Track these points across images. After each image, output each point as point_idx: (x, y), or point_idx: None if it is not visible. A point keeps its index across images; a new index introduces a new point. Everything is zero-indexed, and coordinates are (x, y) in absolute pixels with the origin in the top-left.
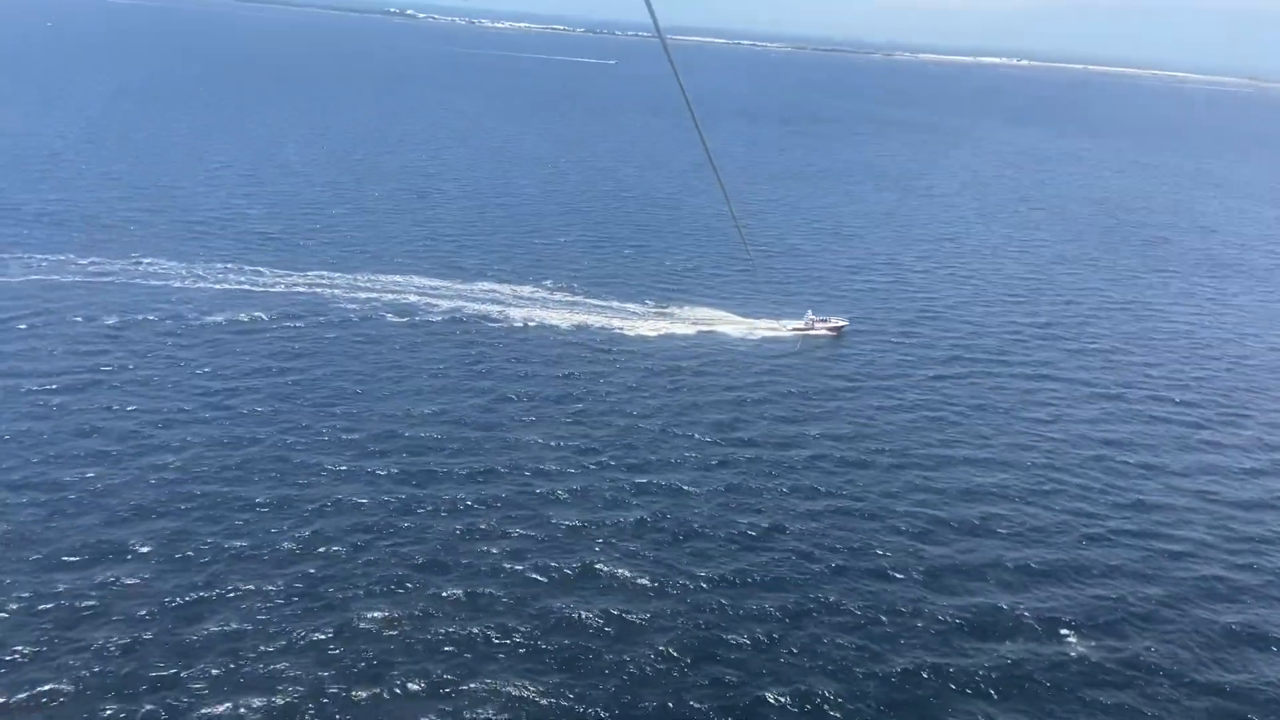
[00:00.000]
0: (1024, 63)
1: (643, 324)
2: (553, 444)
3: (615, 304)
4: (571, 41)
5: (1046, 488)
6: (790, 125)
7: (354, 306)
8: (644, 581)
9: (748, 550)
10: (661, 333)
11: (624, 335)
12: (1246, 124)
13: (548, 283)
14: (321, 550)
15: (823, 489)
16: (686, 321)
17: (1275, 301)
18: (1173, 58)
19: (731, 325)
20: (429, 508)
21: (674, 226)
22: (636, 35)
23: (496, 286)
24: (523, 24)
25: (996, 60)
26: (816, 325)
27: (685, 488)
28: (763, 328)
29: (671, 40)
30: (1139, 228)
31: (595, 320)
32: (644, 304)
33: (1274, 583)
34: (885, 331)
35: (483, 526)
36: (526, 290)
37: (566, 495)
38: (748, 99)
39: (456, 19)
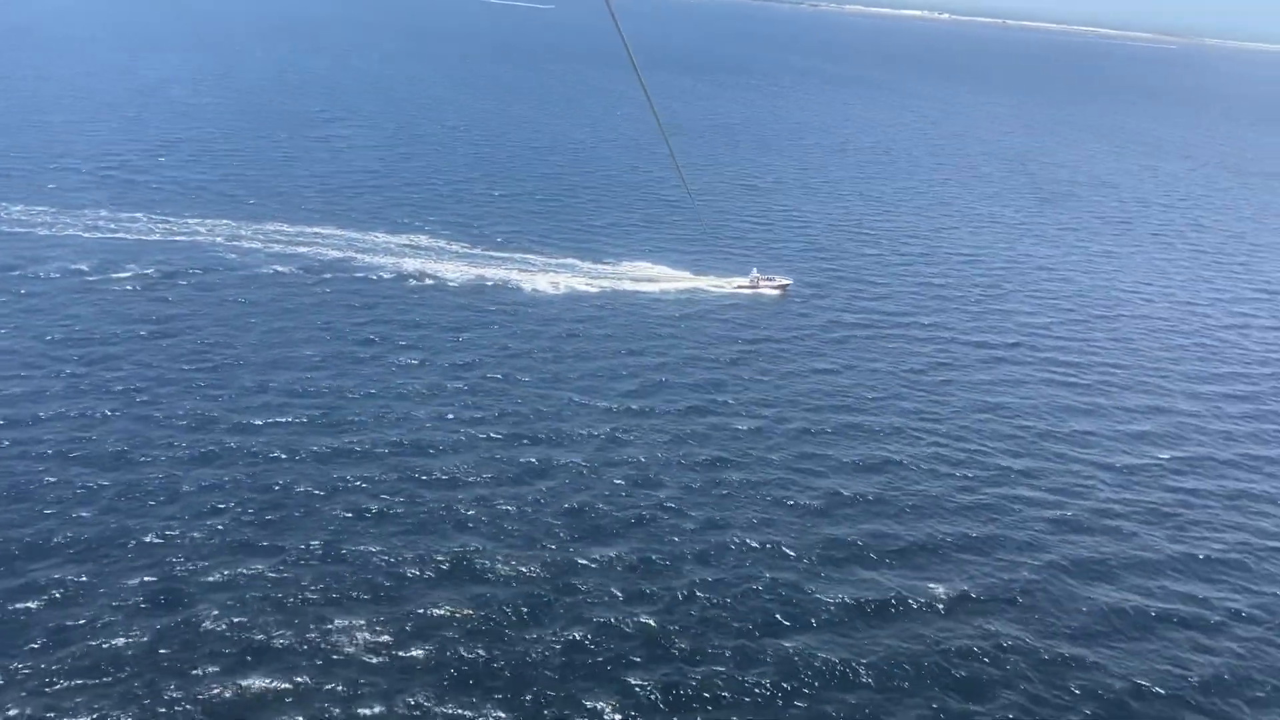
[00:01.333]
0: (944, 16)
1: (554, 279)
2: (443, 415)
3: (527, 258)
4: None
5: (939, 455)
6: (716, 77)
7: (234, 257)
8: (524, 568)
9: (642, 530)
10: (583, 289)
11: (533, 292)
12: (1162, 80)
13: (457, 235)
14: (174, 536)
15: (726, 460)
16: (626, 278)
17: (1166, 257)
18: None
19: (672, 283)
20: (297, 488)
21: (608, 180)
22: None
23: (392, 237)
24: None
25: (918, 13)
26: (762, 283)
27: (580, 462)
28: (707, 284)
29: None
30: (1045, 183)
31: (498, 275)
32: (561, 258)
33: (1151, 555)
34: (826, 290)
35: (358, 509)
36: (425, 240)
37: (447, 474)
38: (677, 50)
39: None
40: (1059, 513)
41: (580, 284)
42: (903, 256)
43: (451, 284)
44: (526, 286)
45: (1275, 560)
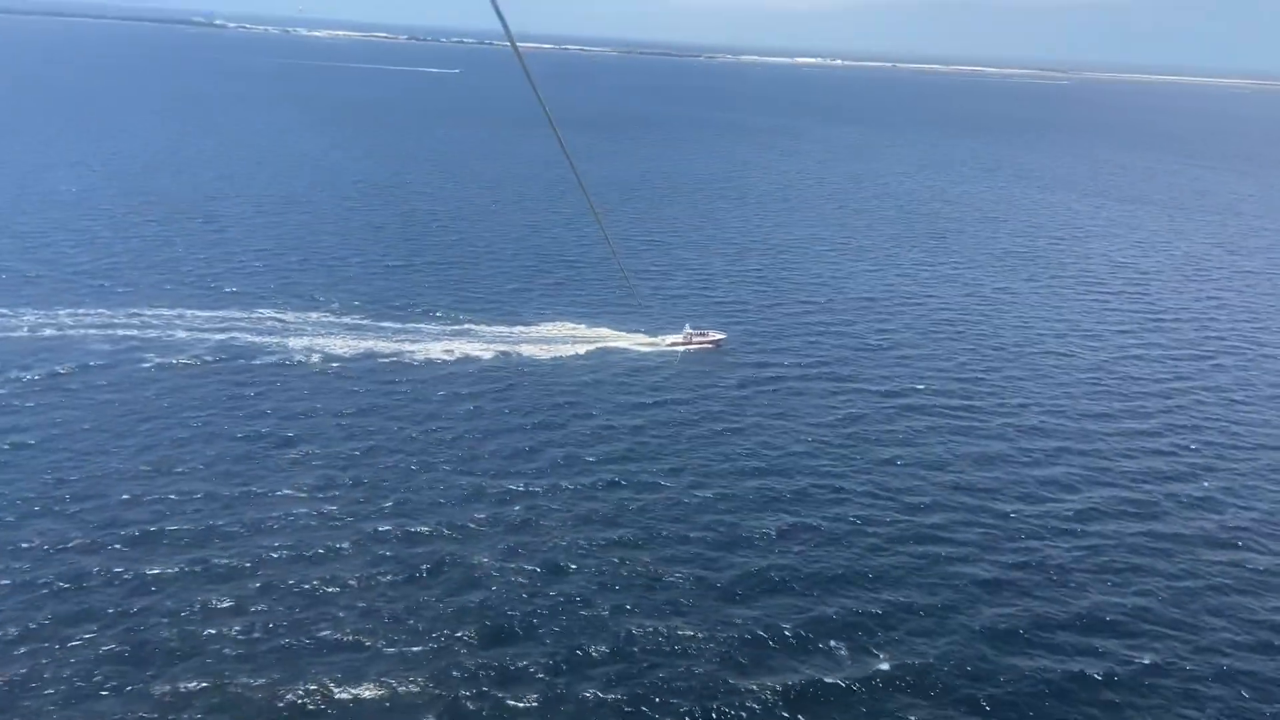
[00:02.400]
0: (837, 62)
1: (450, 347)
2: (329, 515)
3: (421, 328)
4: (402, 50)
5: (837, 495)
6: (621, 132)
7: (107, 348)
8: (414, 687)
9: (550, 630)
10: (481, 356)
11: (427, 363)
12: (1047, 114)
13: (347, 309)
14: (24, 679)
15: (636, 540)
16: (533, 341)
17: (1056, 289)
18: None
19: (590, 344)
20: (161, 619)
21: (510, 243)
22: (461, 42)
23: (280, 315)
24: (341, 32)
25: (812, 60)
26: (694, 339)
27: (482, 558)
28: (633, 343)
29: (497, 46)
30: (938, 221)
31: (391, 348)
32: (459, 325)
33: (1053, 581)
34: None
35: (213, 606)
36: (315, 316)
37: (330, 583)
38: (579, 106)
39: (269, 28)
40: (973, 570)
41: (479, 350)
42: (806, 306)
43: (342, 362)
44: (420, 358)
45: (1190, 605)
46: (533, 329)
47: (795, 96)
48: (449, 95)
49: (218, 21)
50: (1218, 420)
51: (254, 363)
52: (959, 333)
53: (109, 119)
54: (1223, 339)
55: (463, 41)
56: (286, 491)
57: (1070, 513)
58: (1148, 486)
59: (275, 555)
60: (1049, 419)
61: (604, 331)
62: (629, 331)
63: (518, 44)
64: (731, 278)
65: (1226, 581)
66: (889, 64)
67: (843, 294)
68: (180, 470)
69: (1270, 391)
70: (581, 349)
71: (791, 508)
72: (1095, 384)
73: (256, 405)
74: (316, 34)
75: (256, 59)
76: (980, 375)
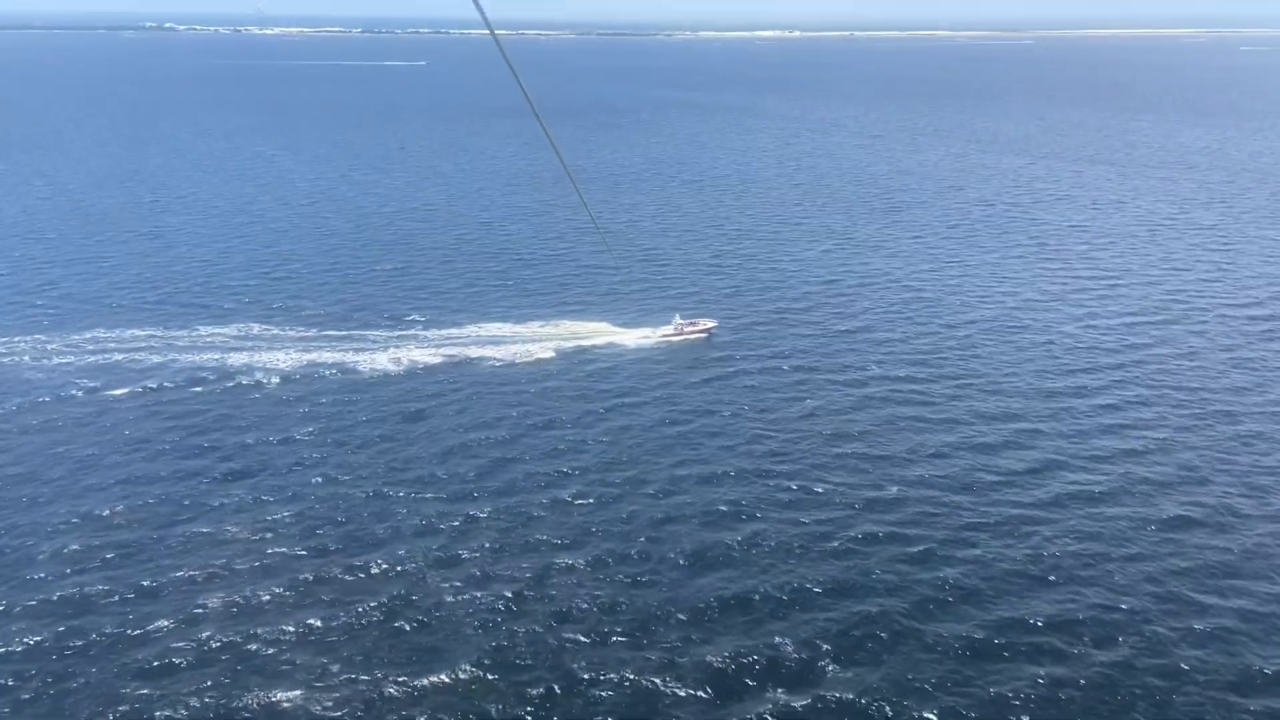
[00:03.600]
0: (795, 34)
1: (396, 354)
2: (261, 541)
3: (366, 335)
4: (364, 45)
5: (795, 501)
6: (585, 118)
7: (40, 377)
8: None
9: (479, 642)
10: (428, 361)
11: (371, 373)
12: (1004, 77)
13: (290, 320)
14: None
15: (573, 543)
16: (568, 339)
17: (1009, 257)
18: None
19: (605, 336)
20: (77, 639)
21: (463, 240)
22: (417, 32)
23: (221, 330)
24: (296, 29)
25: (770, 33)
26: (686, 330)
27: (412, 569)
28: (633, 336)
29: (457, 35)
30: (893, 193)
31: (334, 358)
32: (404, 330)
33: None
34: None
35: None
36: (257, 329)
37: (254, 618)
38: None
39: (220, 29)
40: (917, 548)
41: (425, 356)
42: (760, 283)
43: (283, 379)
44: (365, 367)
45: (1131, 569)
46: (517, 327)
47: (755, 72)
48: (412, 89)
49: (167, 25)
50: (1177, 389)
51: (192, 382)
52: (910, 306)
53: (50, 135)
54: (1180, 301)
55: (419, 32)
56: (226, 529)
57: (1016, 480)
58: (1092, 443)
59: (209, 604)
60: (1004, 386)
61: (597, 326)
62: (622, 326)
63: (491, 31)
64: (715, 263)
65: (1190, 566)
66: (846, 33)
67: (815, 275)
68: (110, 500)
69: (1226, 356)
70: (573, 345)
71: (733, 491)
72: (1050, 348)
73: (189, 425)
74: (268, 32)
75: (208, 62)
76: (932, 347)
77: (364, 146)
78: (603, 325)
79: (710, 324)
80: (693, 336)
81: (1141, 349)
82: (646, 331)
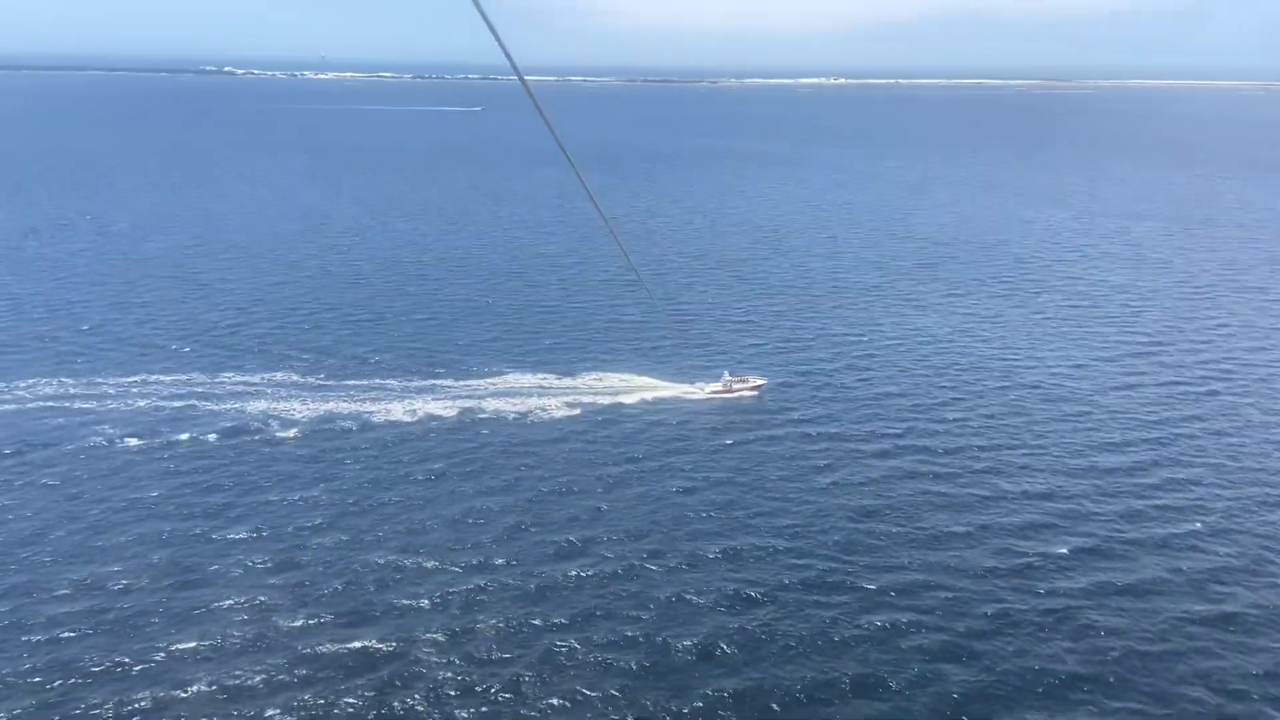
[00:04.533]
0: (839, 81)
1: (414, 405)
2: (261, 609)
3: (386, 384)
4: (421, 90)
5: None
6: (629, 168)
7: (60, 423)
8: None
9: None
10: (444, 414)
11: (388, 424)
12: (1049, 125)
13: (314, 369)
14: None
15: (589, 616)
16: (616, 392)
17: (1049, 316)
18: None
19: (650, 391)
20: (83, 681)
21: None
22: (466, 78)
23: (246, 377)
24: (348, 74)
25: (814, 80)
26: (735, 386)
27: (421, 649)
28: (676, 391)
29: (499, 81)
30: (928, 247)
31: (352, 409)
32: (427, 380)
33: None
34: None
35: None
36: (280, 377)
37: (252, 686)
38: (585, 141)
39: (277, 73)
40: (943, 638)
41: (442, 409)
42: (789, 343)
43: (299, 428)
44: (381, 419)
45: (1181, 668)
46: (566, 380)
47: (799, 119)
48: (465, 134)
49: (226, 69)
50: (1208, 458)
51: (209, 431)
52: (945, 368)
53: (103, 178)
54: (1226, 369)
55: (468, 78)
56: (227, 598)
57: (1058, 564)
58: (1138, 528)
59: (197, 684)
60: (1039, 458)
61: (642, 380)
62: (667, 380)
63: (525, 77)
64: (764, 317)
65: (1209, 645)
66: (891, 81)
67: (829, 330)
68: (121, 555)
69: (1264, 420)
70: (611, 400)
71: (751, 572)
72: (1090, 418)
73: (204, 491)
74: (323, 76)
75: (262, 105)
76: (966, 415)
77: (404, 193)
78: (647, 380)
79: (760, 381)
80: (742, 394)
81: (1184, 423)
82: (691, 387)
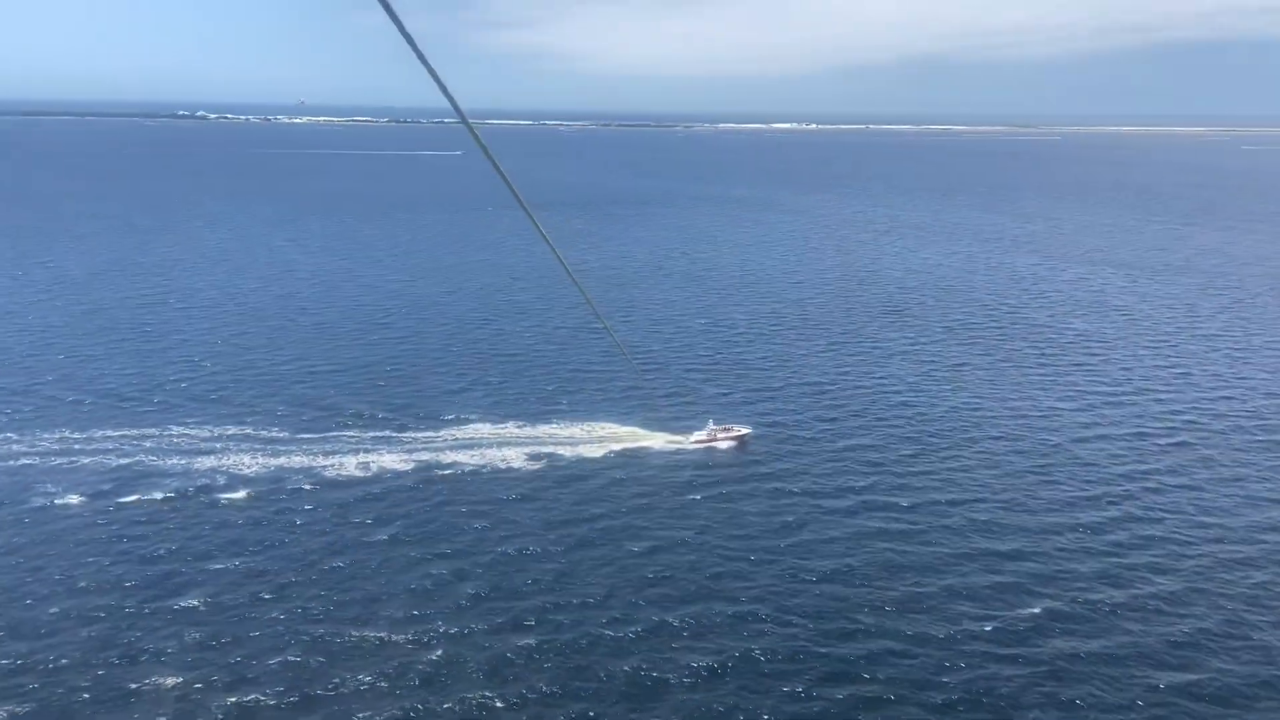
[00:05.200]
0: (811, 126)
1: (368, 458)
2: (190, 692)
3: (343, 436)
4: (398, 134)
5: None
6: (601, 211)
7: (3, 480)
8: None
9: None
10: (398, 468)
11: (338, 477)
12: (1010, 172)
13: (264, 419)
14: None
15: (548, 697)
16: (598, 442)
17: (1014, 364)
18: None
19: (613, 443)
20: None
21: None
22: (441, 123)
23: (193, 432)
24: (323, 118)
25: (787, 126)
26: (719, 436)
27: (363, 711)
28: (661, 440)
29: (481, 125)
30: (896, 293)
31: (304, 462)
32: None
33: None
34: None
35: None
36: (233, 430)
37: None
38: (560, 185)
39: (250, 117)
40: (911, 713)
41: (400, 463)
42: (757, 392)
43: (248, 485)
44: (333, 473)
45: None
46: (528, 429)
47: (770, 165)
48: (438, 180)
49: (199, 113)
50: (1178, 513)
51: (152, 490)
52: (910, 419)
53: (63, 225)
54: (1188, 419)
55: (443, 122)
56: (153, 681)
57: (1034, 626)
58: (1119, 590)
59: None
60: (1010, 513)
61: (634, 430)
62: (653, 430)
63: (480, 121)
64: (731, 365)
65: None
66: (862, 126)
67: (798, 378)
68: (46, 636)
69: (1236, 489)
70: (602, 451)
71: (722, 639)
72: (1062, 470)
73: (147, 548)
74: (297, 121)
75: (234, 151)
76: (932, 467)
77: (372, 239)
78: (616, 428)
79: (744, 430)
80: (714, 444)
81: (1152, 475)
82: (677, 437)
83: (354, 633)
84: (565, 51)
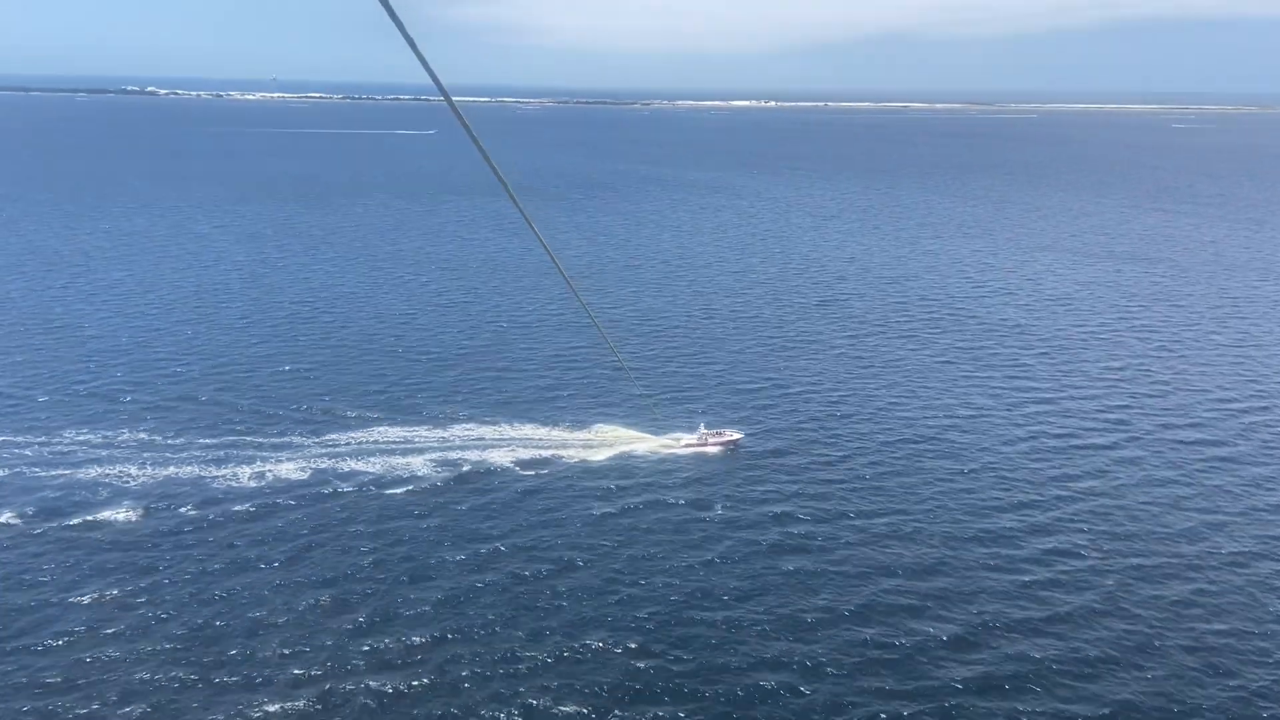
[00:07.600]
0: (770, 104)
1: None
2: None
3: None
4: (374, 111)
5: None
6: (562, 197)
7: None
8: None
9: None
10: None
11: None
12: (964, 153)
13: (167, 424)
14: None
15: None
16: (593, 446)
17: (960, 360)
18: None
19: (627, 445)
20: None
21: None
22: (396, 99)
23: (85, 437)
24: (276, 94)
25: (746, 103)
26: (710, 440)
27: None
28: (654, 444)
29: (426, 101)
30: (829, 279)
31: (187, 473)
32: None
33: None
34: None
35: None
36: (127, 436)
37: None
38: (517, 166)
39: (202, 93)
40: None
41: (299, 472)
42: (747, 390)
43: (133, 500)
44: (227, 485)
45: None
46: (436, 432)
47: (728, 144)
48: (398, 161)
49: (149, 89)
50: (1105, 522)
51: (27, 509)
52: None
53: None
54: (1123, 420)
55: (399, 99)
56: (15, 698)
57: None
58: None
59: None
60: (952, 523)
61: (623, 433)
62: (643, 433)
63: (449, 99)
64: (654, 363)
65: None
66: (821, 103)
67: (741, 367)
68: None
69: (1171, 493)
70: (594, 454)
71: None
72: (1027, 463)
73: (8, 575)
74: (249, 97)
75: (183, 129)
76: (881, 472)
77: (308, 226)
78: (629, 432)
79: (736, 435)
80: (715, 447)
81: (1081, 478)
82: (668, 440)
83: (217, 677)
84: (529, 26)
